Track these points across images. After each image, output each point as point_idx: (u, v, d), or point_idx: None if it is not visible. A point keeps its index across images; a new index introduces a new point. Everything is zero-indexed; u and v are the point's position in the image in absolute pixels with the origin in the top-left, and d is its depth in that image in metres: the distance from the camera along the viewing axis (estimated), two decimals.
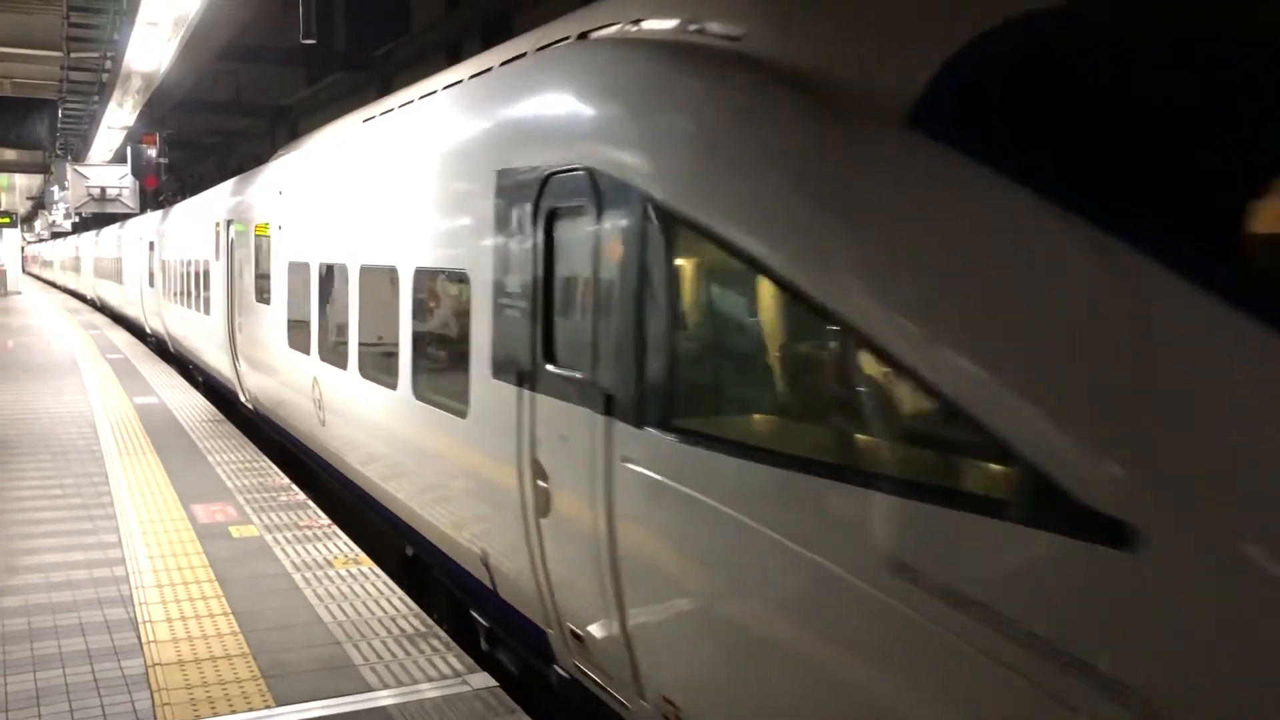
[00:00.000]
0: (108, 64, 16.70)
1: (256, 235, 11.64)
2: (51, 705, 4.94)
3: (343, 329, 8.25)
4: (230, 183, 14.91)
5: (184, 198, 23.99)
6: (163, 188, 28.46)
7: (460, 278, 5.87)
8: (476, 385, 5.55)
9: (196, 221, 16.57)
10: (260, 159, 18.93)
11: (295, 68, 20.79)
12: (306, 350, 9.29)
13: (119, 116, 20.09)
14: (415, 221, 6.73)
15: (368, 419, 7.69)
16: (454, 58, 17.08)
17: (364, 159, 8.27)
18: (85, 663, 5.41)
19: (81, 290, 46.32)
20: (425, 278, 6.54)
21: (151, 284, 22.31)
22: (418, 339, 6.64)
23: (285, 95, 23.52)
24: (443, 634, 5.89)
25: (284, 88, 22.99)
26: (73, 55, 17.46)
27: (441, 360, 6.45)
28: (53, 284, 66.03)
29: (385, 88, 16.99)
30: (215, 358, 14.86)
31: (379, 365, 7.40)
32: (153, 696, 5.02)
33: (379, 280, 7.33)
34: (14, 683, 5.16)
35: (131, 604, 6.30)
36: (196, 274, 16.12)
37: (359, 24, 17.22)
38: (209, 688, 5.12)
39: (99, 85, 19.06)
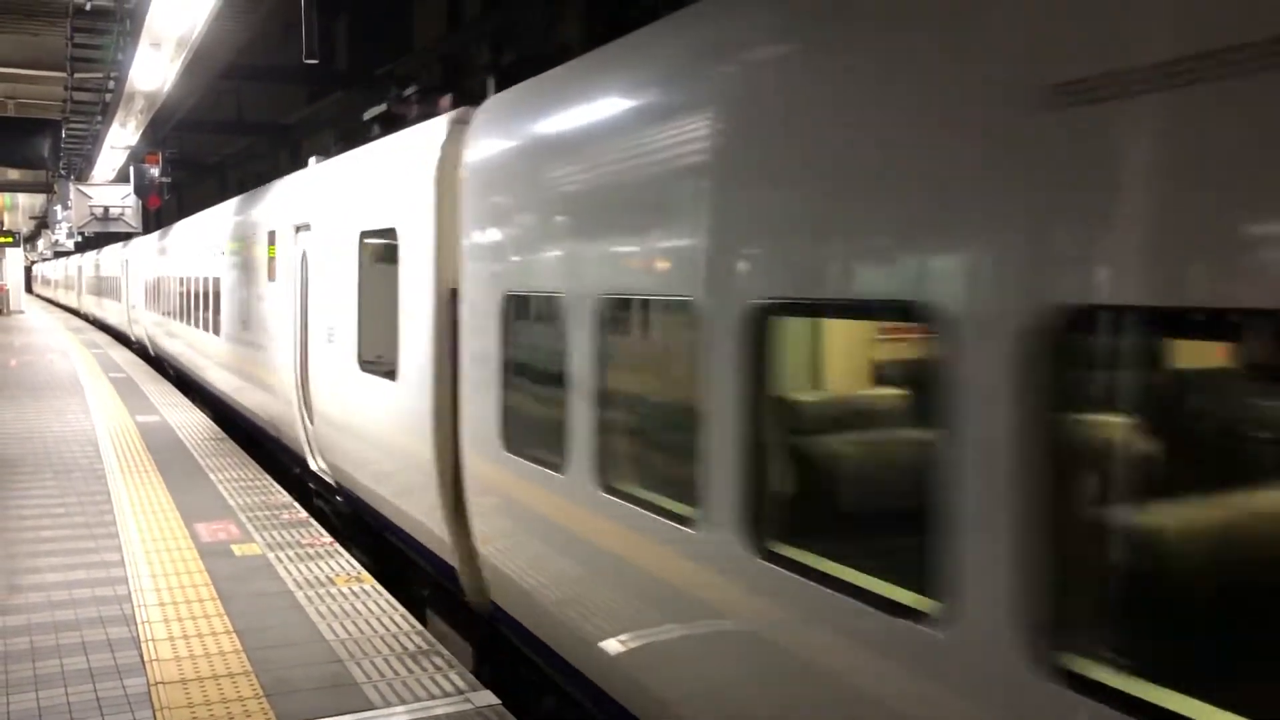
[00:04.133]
0: (111, 84, 16.77)
1: None
2: None
3: None
4: None
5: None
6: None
7: None
8: None
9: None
10: (263, 178, 18.92)
11: (297, 86, 20.86)
12: None
13: (122, 136, 20.15)
14: None
15: None
16: (456, 76, 17.15)
17: None
18: (87, 681, 5.41)
19: (120, 327, 31.44)
20: None
21: (369, 361, 8.00)
22: None
23: (287, 114, 23.62)
24: (445, 651, 5.89)
25: (286, 106, 23.09)
26: (76, 76, 17.57)
27: None
28: (75, 312, 50.24)
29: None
30: None
31: None
32: (155, 715, 5.02)
33: None
34: (16, 701, 5.16)
35: (134, 622, 6.30)
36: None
37: (361, 43, 17.37)
38: (211, 706, 5.12)
39: (102, 105, 19.15)
